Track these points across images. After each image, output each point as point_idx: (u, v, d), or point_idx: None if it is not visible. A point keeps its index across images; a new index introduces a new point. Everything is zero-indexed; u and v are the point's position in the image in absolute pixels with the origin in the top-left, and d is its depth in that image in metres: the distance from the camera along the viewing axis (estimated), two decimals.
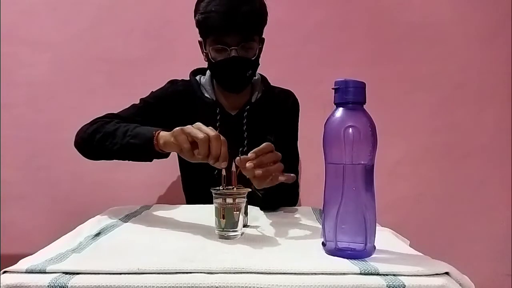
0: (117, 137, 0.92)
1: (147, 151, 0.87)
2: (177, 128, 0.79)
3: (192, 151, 0.76)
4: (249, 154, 0.76)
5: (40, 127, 1.58)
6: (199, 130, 0.76)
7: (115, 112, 1.09)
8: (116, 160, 0.97)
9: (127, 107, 1.13)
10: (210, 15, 1.04)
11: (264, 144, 0.79)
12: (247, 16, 1.04)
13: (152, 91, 1.19)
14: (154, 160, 0.91)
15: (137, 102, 1.15)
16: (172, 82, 1.22)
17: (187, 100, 1.18)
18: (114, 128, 0.95)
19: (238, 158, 0.76)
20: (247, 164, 0.75)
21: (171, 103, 1.16)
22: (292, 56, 1.59)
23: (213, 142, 0.74)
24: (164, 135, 0.84)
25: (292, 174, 0.82)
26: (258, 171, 0.75)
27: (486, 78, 1.64)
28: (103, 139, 0.95)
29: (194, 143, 0.76)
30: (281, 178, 0.80)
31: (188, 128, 0.77)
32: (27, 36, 1.57)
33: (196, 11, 1.10)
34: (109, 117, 1.05)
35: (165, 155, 0.89)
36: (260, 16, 1.09)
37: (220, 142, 0.75)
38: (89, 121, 1.04)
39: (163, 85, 1.22)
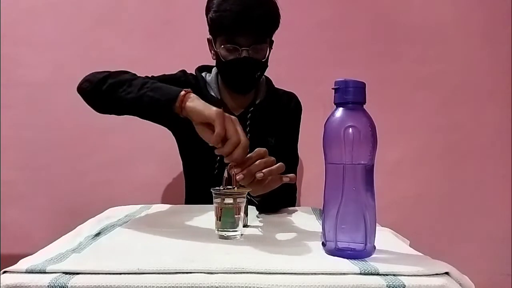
0: (133, 86, 0.86)
1: (163, 109, 0.81)
2: (219, 109, 0.74)
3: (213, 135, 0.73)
4: (236, 167, 0.74)
5: (40, 127, 1.58)
6: (235, 129, 0.73)
7: None
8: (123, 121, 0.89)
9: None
10: (224, 14, 1.03)
11: (252, 152, 0.77)
12: (261, 18, 1.04)
13: (165, 74, 1.16)
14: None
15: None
16: (185, 73, 1.21)
17: (195, 94, 1.16)
18: (132, 78, 0.89)
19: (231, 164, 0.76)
20: (237, 177, 0.74)
21: None
22: (292, 56, 1.59)
23: (239, 149, 0.73)
24: (196, 100, 0.78)
25: (292, 174, 0.82)
26: (259, 174, 0.74)
27: (486, 78, 1.64)
28: (117, 86, 0.88)
29: (211, 125, 0.74)
30: (285, 179, 0.80)
31: (228, 118, 0.74)
32: (27, 36, 1.57)
33: (208, 9, 1.08)
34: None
35: (176, 118, 0.82)
36: (273, 19, 1.08)
37: (246, 152, 0.74)
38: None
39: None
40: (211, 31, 1.11)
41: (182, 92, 0.79)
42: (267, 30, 1.09)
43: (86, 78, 0.97)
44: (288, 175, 0.80)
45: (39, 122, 1.58)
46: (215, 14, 1.05)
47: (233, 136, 0.73)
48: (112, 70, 0.96)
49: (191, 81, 1.19)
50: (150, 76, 1.12)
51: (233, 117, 0.76)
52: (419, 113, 1.64)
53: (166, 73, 1.17)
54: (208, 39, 1.14)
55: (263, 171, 0.75)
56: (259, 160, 0.76)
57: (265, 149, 0.79)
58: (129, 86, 0.87)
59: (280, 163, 0.79)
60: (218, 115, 0.73)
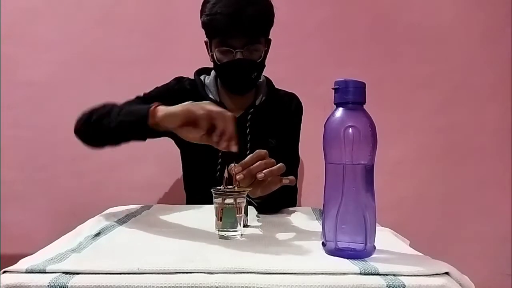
0: (111, 117, 0.91)
1: (139, 127, 0.85)
2: (188, 103, 0.79)
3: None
4: (236, 168, 0.75)
5: (40, 127, 1.58)
6: (209, 108, 0.77)
7: None
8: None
9: (130, 99, 1.10)
10: (216, 17, 1.03)
11: (253, 153, 0.78)
12: (252, 18, 1.03)
13: (157, 86, 1.18)
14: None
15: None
16: (179, 80, 1.21)
17: (191, 99, 1.16)
18: (109, 109, 0.93)
19: (232, 165, 0.76)
20: (237, 177, 0.74)
21: (175, 101, 1.14)
22: (292, 56, 1.59)
23: (219, 122, 0.76)
24: (165, 107, 0.81)
25: (292, 177, 0.82)
26: (261, 174, 0.75)
27: (486, 78, 1.64)
28: (100, 119, 0.93)
29: (192, 123, 0.77)
30: (285, 181, 0.80)
31: (198, 105, 0.78)
32: (27, 36, 1.57)
33: (202, 12, 1.08)
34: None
35: (159, 133, 0.87)
36: (266, 18, 1.08)
37: (233, 124, 0.75)
38: None
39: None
40: (206, 35, 1.12)
41: (151, 108, 0.82)
42: (259, 30, 1.08)
43: (78, 119, 1.00)
44: (287, 177, 0.80)
45: (39, 122, 1.58)
46: (207, 17, 1.06)
47: (212, 109, 0.76)
48: (95, 106, 0.99)
49: (186, 87, 1.19)
50: (142, 94, 1.14)
51: (200, 102, 0.79)
52: (419, 113, 1.64)
53: (158, 85, 1.18)
54: (205, 42, 1.14)
55: (263, 171, 0.75)
56: (260, 161, 0.77)
57: (265, 151, 0.79)
58: (109, 117, 0.91)
59: (281, 163, 0.79)
60: (190, 104, 0.78)
